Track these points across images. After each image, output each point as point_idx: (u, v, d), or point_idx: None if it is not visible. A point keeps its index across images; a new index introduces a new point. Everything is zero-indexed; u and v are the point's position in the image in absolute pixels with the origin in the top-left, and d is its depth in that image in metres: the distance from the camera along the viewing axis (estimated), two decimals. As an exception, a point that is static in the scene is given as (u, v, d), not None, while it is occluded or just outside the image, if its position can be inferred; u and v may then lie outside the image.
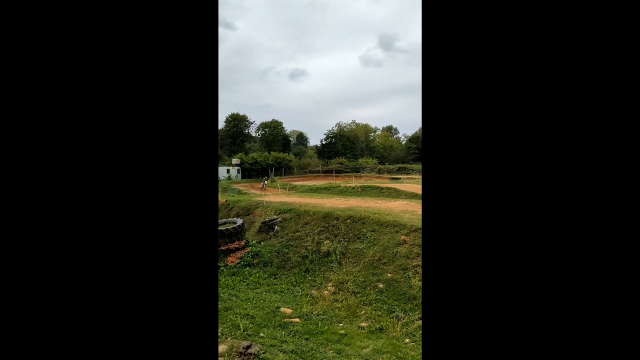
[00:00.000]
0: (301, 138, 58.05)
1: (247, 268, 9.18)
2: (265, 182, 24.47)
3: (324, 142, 44.13)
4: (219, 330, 4.98)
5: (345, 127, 46.08)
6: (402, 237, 8.20)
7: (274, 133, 44.77)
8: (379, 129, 52.03)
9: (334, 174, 31.39)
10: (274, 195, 16.49)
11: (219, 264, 9.26)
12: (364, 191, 17.03)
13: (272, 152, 37.82)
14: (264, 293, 7.52)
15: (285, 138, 47.42)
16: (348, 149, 42.60)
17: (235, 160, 34.20)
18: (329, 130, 44.77)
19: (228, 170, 32.63)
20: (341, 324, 6.08)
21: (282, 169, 35.55)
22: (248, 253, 9.76)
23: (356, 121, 48.05)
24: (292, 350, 4.73)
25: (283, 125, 46.58)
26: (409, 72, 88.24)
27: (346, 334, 5.57)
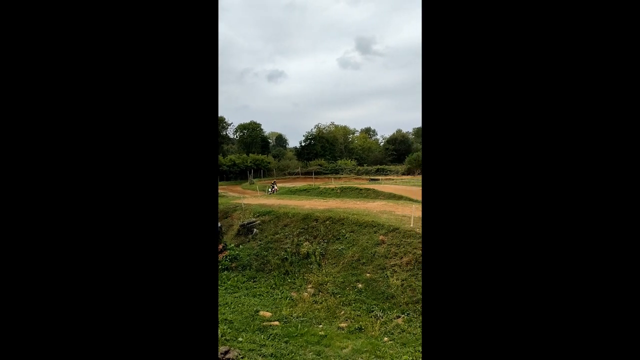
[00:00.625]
0: (280, 140, 57.77)
1: (225, 272, 9.03)
2: (275, 187, 22.58)
3: (303, 144, 44.10)
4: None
5: (324, 128, 46.28)
6: (381, 237, 8.31)
7: (252, 135, 44.34)
8: (357, 131, 52.62)
9: (313, 176, 31.42)
10: (252, 198, 16.31)
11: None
12: (343, 192, 17.15)
13: (250, 154, 37.43)
14: (243, 297, 7.41)
15: (264, 140, 47.08)
16: (327, 150, 42.78)
17: (213, 163, 33.54)
18: (308, 132, 44.80)
19: (205, 173, 31.97)
20: (321, 325, 6.08)
21: (261, 171, 35.23)
22: (226, 257, 9.60)
23: (335, 123, 48.39)
24: (272, 354, 4.69)
25: (262, 127, 46.28)
26: (387, 75, 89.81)
27: (326, 335, 5.58)
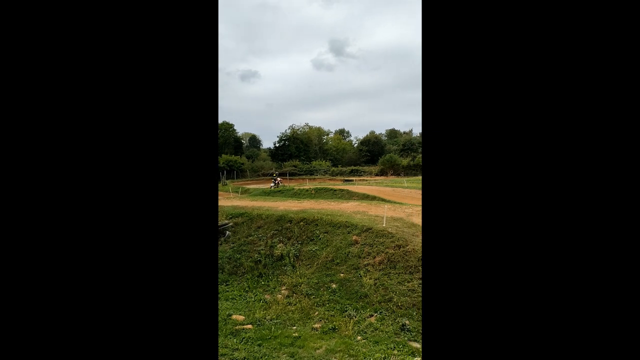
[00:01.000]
0: (254, 140, 57.01)
1: (197, 276, 8.78)
2: (277, 180, 20.28)
3: (277, 145, 43.81)
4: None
5: (298, 129, 46.20)
6: (354, 238, 8.41)
7: (225, 135, 43.46)
8: (331, 132, 52.98)
9: (287, 177, 31.27)
10: (225, 199, 15.99)
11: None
12: (317, 193, 17.18)
13: (223, 155, 36.67)
14: (215, 301, 7.24)
15: (237, 140, 46.30)
16: (302, 151, 42.74)
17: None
18: (283, 133, 44.60)
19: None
20: (295, 327, 6.06)
21: (234, 172, 34.60)
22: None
23: (309, 124, 48.42)
24: (244, 358, 4.62)
25: (235, 128, 45.44)
26: (360, 77, 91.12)
27: (300, 337, 5.57)
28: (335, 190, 17.34)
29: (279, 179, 20.62)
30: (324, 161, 39.65)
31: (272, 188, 19.22)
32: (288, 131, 45.03)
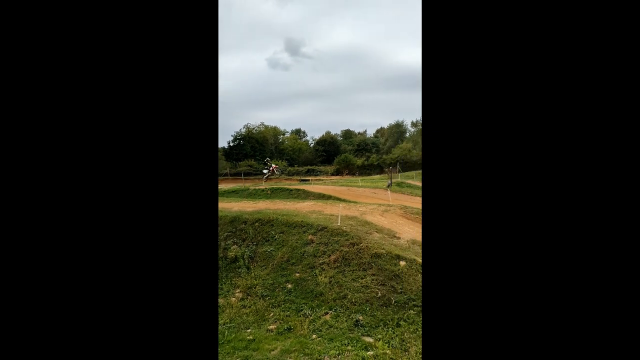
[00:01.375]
0: (207, 139, 54.83)
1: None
2: (270, 170, 17.81)
3: (231, 144, 42.57)
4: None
5: (253, 129, 45.32)
6: (310, 237, 8.45)
7: (175, 133, 41.21)
8: (287, 132, 52.72)
9: (242, 177, 30.56)
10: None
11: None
12: (273, 193, 17.01)
13: (173, 154, 34.77)
14: (164, 308, 6.86)
15: (189, 139, 44.16)
16: (257, 151, 42.00)
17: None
18: (237, 132, 43.41)
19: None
20: (249, 330, 5.95)
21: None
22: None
23: (265, 123, 47.73)
24: (195, 366, 4.43)
25: (186, 126, 43.33)
26: (316, 77, 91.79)
27: (254, 339, 5.47)
28: (291, 190, 17.29)
29: (274, 166, 18.13)
30: (280, 161, 39.34)
31: (264, 180, 17.10)
32: (243, 130, 43.97)
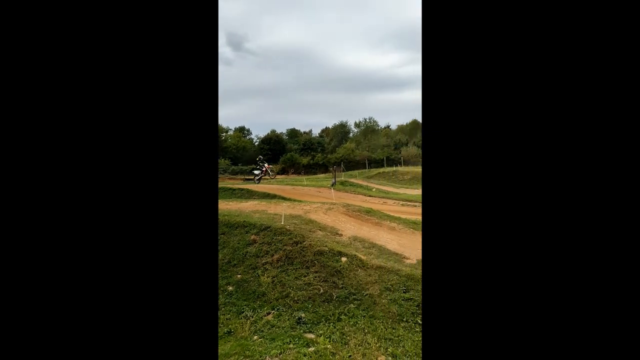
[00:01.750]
0: (142, 136, 50.84)
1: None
2: (262, 171, 14.89)
3: (170, 141, 39.89)
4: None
5: (194, 125, 43.03)
6: (252, 237, 8.30)
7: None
8: (231, 129, 51.10)
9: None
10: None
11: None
12: (215, 193, 16.33)
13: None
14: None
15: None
16: (198, 149, 39.94)
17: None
18: (176, 129, 40.80)
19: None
20: (186, 337, 5.65)
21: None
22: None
23: (207, 120, 45.59)
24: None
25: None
26: (260, 75, 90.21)
27: (191, 346, 5.22)
28: (234, 189, 16.80)
29: (267, 165, 15.49)
30: (223, 159, 37.95)
31: (256, 182, 14.41)
32: (182, 127, 41.48)
